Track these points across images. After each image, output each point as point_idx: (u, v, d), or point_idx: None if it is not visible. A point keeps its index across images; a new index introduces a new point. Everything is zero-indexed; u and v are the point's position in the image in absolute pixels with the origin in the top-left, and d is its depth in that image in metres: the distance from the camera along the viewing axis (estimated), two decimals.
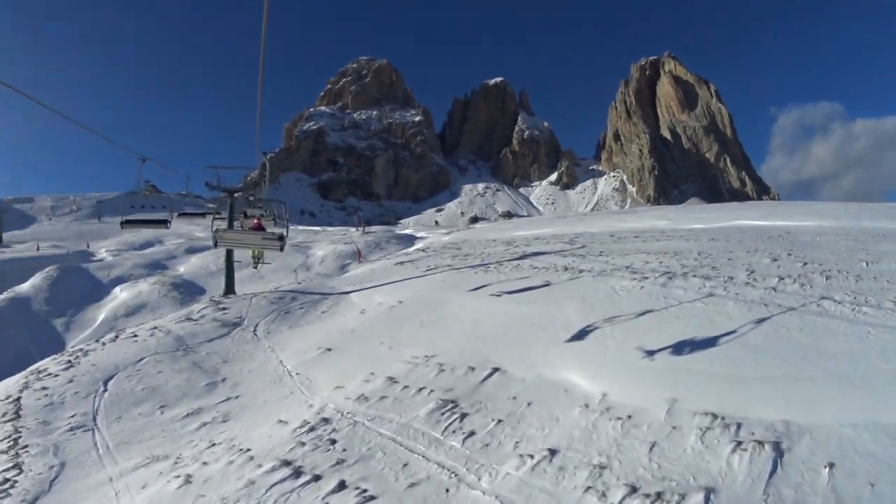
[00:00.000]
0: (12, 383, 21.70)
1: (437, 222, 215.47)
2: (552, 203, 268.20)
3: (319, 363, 19.03)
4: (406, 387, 14.14)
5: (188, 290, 51.80)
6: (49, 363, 23.45)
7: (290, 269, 54.63)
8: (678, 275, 19.93)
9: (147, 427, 16.49)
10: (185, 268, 62.40)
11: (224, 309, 28.14)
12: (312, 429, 12.91)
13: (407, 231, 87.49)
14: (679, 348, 12.77)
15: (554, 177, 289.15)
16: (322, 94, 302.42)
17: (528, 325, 17.10)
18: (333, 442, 11.91)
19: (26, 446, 16.00)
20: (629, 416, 10.36)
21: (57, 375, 21.10)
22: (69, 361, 22.76)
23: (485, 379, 13.62)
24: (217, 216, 26.20)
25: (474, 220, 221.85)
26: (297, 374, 18.55)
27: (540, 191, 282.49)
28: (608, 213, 76.35)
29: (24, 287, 53.97)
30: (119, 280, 57.91)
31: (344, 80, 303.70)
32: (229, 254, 34.77)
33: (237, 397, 17.74)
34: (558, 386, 12.32)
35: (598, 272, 22.81)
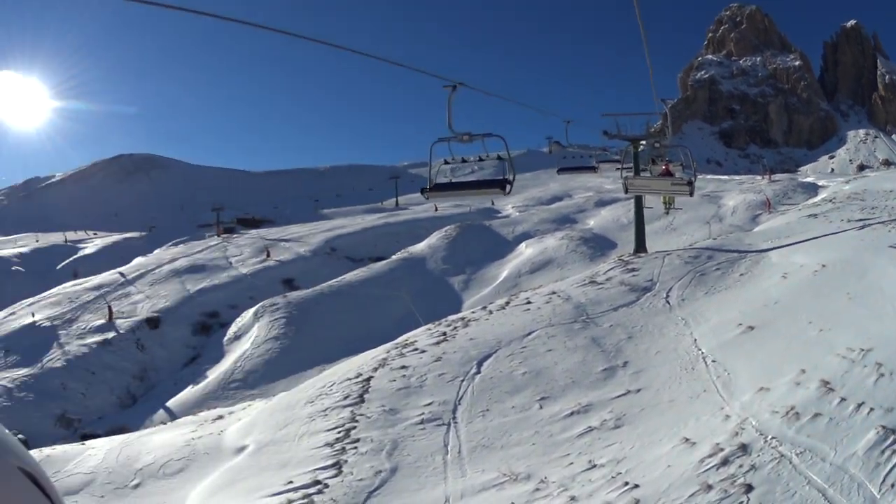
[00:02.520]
0: (370, 359, 19.84)
1: (832, 170, 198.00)
2: None
3: (740, 347, 14.85)
4: (843, 399, 10.05)
5: (598, 245, 48.71)
6: (421, 334, 21.26)
7: (703, 221, 50.63)
8: None
9: (517, 426, 13.46)
10: (595, 221, 59.73)
11: (633, 270, 24.01)
12: (725, 462, 9.32)
13: (808, 179, 79.08)
14: None
15: None
16: (705, 42, 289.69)
17: None
18: (748, 489, 8.46)
19: (357, 441, 13.86)
20: None
21: (423, 351, 18.72)
22: (443, 334, 20.35)
23: None
24: (622, 166, 24.77)
25: (861, 168, 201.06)
26: (713, 361, 14.49)
27: None
28: None
29: (419, 247, 54.31)
30: (525, 236, 56.17)
31: (722, 27, 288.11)
32: (638, 205, 31.20)
33: (638, 391, 14.00)
34: None
35: None
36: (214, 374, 37.62)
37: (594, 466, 10.79)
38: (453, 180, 14.19)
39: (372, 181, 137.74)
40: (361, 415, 15.10)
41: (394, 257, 53.04)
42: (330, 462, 13.02)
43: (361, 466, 12.54)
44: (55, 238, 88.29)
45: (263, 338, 39.36)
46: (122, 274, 55.36)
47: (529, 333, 18.60)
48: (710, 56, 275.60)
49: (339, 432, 14.41)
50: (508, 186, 11.73)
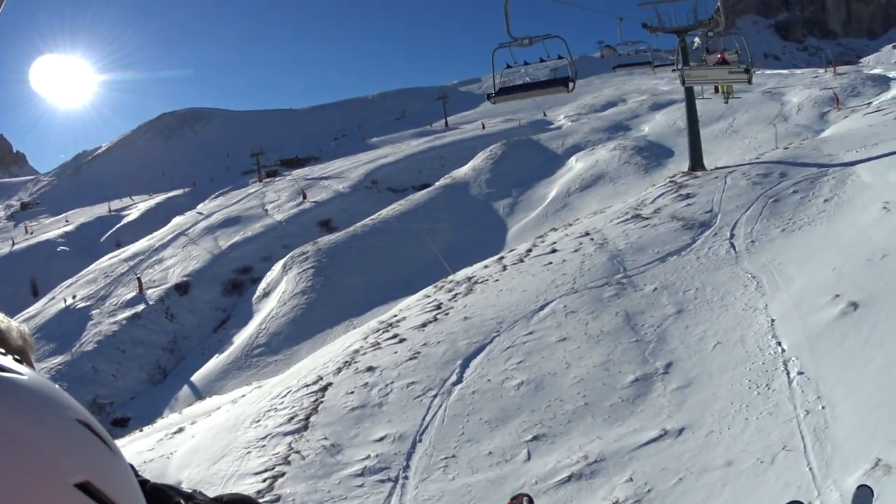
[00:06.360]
0: (340, 351, 15.11)
1: None
2: None
3: (840, 344, 9.27)
4: None
5: (653, 154, 42.59)
6: (413, 306, 16.69)
7: (766, 121, 43.44)
8: None
9: (485, 496, 8.59)
10: (650, 127, 53.32)
11: (688, 197, 18.50)
12: None
13: (876, 71, 69.59)
14: None
15: None
16: None
17: None
18: None
19: (278, 501, 9.71)
20: None
21: (403, 340, 13.99)
22: (438, 307, 15.59)
23: None
24: (676, 67, 22.90)
25: None
26: (800, 373, 9.01)
27: None
28: None
29: (463, 170, 49.55)
30: (575, 148, 50.66)
31: None
32: (692, 111, 24.85)
33: (679, 433, 8.57)
34: None
35: None
36: (240, 339, 33.80)
37: None
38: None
39: (421, 104, 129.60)
40: (297, 452, 10.89)
41: (436, 184, 48.46)
42: None
43: None
44: (100, 210, 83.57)
45: (290, 293, 35.20)
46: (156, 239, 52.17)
47: (543, 307, 13.53)
48: None
49: (263, 480, 10.40)
50: (571, 84, 12.37)
